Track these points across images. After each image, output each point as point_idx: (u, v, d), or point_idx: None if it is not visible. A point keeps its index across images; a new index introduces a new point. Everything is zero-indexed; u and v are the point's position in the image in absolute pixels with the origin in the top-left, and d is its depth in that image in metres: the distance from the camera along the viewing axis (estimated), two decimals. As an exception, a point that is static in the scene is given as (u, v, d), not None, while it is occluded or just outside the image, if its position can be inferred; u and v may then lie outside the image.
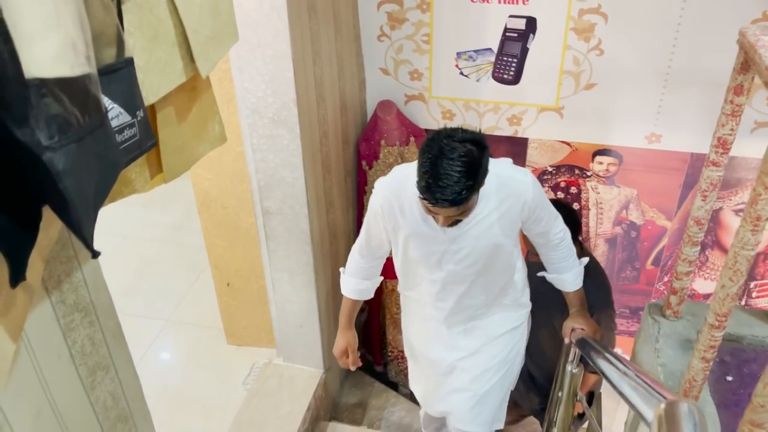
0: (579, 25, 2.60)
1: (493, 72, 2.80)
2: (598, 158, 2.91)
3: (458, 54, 2.80)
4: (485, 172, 1.57)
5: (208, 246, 3.02)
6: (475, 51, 2.77)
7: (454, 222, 1.67)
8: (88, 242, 0.86)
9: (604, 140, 2.86)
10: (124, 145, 1.01)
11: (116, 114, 0.99)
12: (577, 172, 2.98)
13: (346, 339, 2.16)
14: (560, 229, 1.93)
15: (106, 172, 0.91)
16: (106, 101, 0.96)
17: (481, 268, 1.87)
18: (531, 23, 2.65)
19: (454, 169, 1.48)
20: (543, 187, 3.06)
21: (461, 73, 2.84)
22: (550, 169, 3.01)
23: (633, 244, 3.11)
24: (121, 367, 1.39)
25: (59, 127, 0.77)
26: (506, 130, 2.94)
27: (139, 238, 4.26)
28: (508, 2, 2.63)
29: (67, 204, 0.82)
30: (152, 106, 1.18)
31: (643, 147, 2.82)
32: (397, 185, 1.80)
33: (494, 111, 2.90)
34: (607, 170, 2.94)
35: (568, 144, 2.91)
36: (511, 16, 2.66)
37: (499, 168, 1.75)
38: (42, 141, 0.76)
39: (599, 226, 3.10)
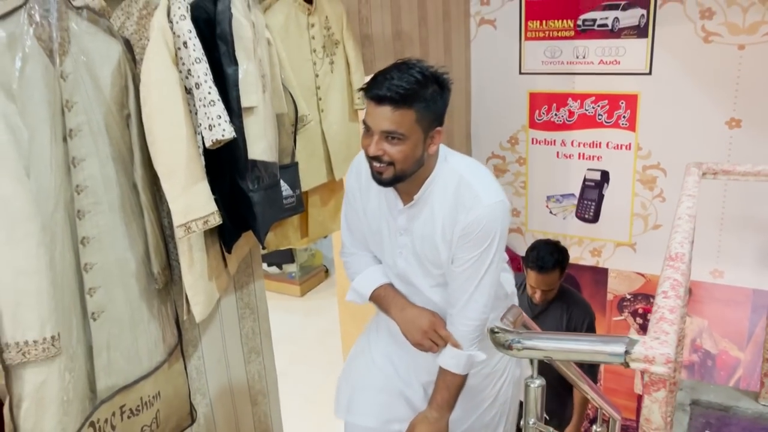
0: (643, 178, 3.25)
1: (576, 212, 3.48)
2: (670, 289, 3.38)
3: (548, 197, 3.54)
4: (435, 104, 1.45)
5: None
6: (561, 195, 3.50)
7: (392, 183, 1.49)
8: (261, 242, 1.72)
9: (673, 273, 3.34)
10: (287, 204, 1.90)
11: (285, 188, 1.89)
12: (652, 300, 3.45)
13: (421, 309, 1.68)
14: (475, 304, 1.56)
15: (275, 211, 1.78)
16: (282, 182, 1.86)
17: (435, 280, 1.64)
18: (605, 175, 3.35)
19: (406, 71, 1.42)
20: (622, 313, 3.55)
21: (551, 212, 3.56)
22: (628, 297, 3.51)
23: (710, 372, 3.41)
24: (267, 356, 2.19)
25: (258, 182, 1.67)
26: (589, 261, 3.53)
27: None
28: (586, 158, 3.37)
29: (256, 221, 1.70)
30: (306, 192, 2.08)
31: (708, 281, 3.26)
32: (367, 167, 1.59)
33: (578, 244, 3.53)
34: (678, 300, 3.37)
35: (642, 275, 3.43)
36: (589, 169, 3.39)
37: (470, 173, 1.55)
38: (249, 187, 1.66)
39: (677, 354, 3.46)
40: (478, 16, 3.42)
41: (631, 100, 3.18)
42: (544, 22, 3.26)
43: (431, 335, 1.63)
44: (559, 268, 2.54)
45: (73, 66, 1.28)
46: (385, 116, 1.42)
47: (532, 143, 3.49)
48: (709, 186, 3.13)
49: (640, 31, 3.06)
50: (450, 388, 1.62)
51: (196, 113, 1.47)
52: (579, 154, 3.39)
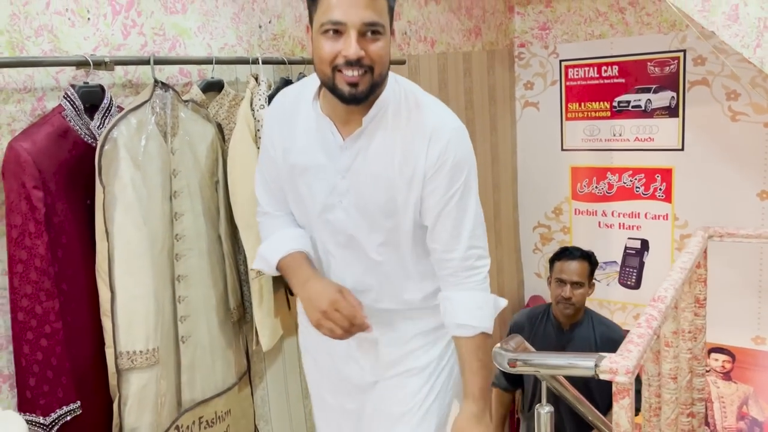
0: (682, 246, 3.43)
1: (619, 279, 3.67)
2: (714, 355, 3.47)
3: (591, 264, 3.75)
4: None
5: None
6: (604, 263, 3.71)
7: (364, 74, 1.23)
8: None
9: (715, 339, 3.44)
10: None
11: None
12: (696, 366, 3.54)
13: (326, 283, 1.41)
14: (466, 241, 1.35)
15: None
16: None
17: (383, 236, 1.38)
18: (644, 243, 3.56)
19: None
20: (668, 377, 3.63)
21: (595, 279, 3.75)
22: (672, 362, 3.60)
23: (759, 441, 3.43)
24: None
25: (317, 237, 2.02)
26: (632, 326, 3.67)
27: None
28: (627, 228, 3.59)
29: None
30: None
31: (751, 347, 3.35)
32: (295, 95, 1.43)
33: (622, 310, 3.70)
34: (723, 367, 3.46)
35: (685, 341, 3.54)
36: (629, 238, 3.60)
37: (423, 95, 1.37)
38: (311, 241, 2.01)
39: (724, 419, 3.51)
40: (522, 99, 3.79)
41: (666, 174, 3.41)
42: (582, 104, 3.59)
43: (331, 315, 1.31)
44: (587, 261, 2.56)
45: (180, 144, 1.70)
46: (364, 2, 1.19)
47: (575, 214, 3.75)
48: (745, 254, 3.28)
49: (671, 111, 3.33)
50: (482, 360, 1.34)
51: (269, 180, 1.87)
52: (619, 224, 3.61)
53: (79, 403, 1.50)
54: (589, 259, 2.60)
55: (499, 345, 1.57)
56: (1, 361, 1.48)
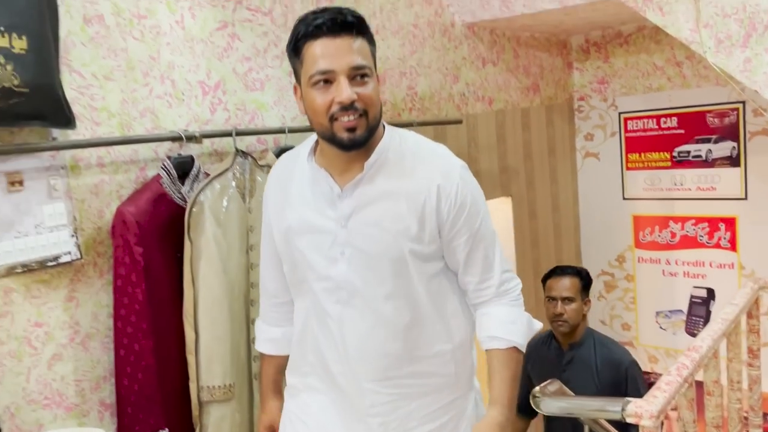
0: (749, 295, 3.40)
1: (686, 328, 3.65)
2: (787, 408, 3.37)
3: (657, 312, 3.76)
4: (372, 38, 1.30)
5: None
6: (670, 311, 3.70)
7: (357, 121, 1.24)
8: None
9: (788, 392, 3.35)
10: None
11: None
12: (769, 419, 3.44)
13: (267, 414, 1.60)
14: (498, 267, 1.39)
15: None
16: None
17: (391, 285, 1.33)
18: (710, 292, 3.54)
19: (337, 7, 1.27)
20: (740, 430, 3.55)
21: (660, 328, 3.75)
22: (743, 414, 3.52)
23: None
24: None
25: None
26: (700, 376, 3.63)
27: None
28: (691, 276, 3.59)
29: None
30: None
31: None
32: (291, 157, 1.44)
33: (689, 359, 3.66)
34: (798, 421, 3.35)
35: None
36: (695, 287, 3.59)
37: (420, 138, 1.40)
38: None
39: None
40: (583, 150, 3.89)
41: (730, 223, 3.42)
42: (642, 154, 3.66)
43: None
44: (578, 276, 2.50)
45: (256, 203, 1.95)
46: (349, 48, 1.21)
47: (639, 262, 3.78)
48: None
49: (732, 160, 3.36)
50: (513, 372, 1.36)
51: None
52: (684, 272, 3.62)
53: (167, 430, 1.73)
54: (579, 274, 2.53)
55: (538, 389, 1.69)
56: (105, 392, 1.74)
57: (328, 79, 1.22)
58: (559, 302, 2.46)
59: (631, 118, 3.68)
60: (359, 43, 1.23)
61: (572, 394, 1.84)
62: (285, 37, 2.11)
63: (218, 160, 1.98)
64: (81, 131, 1.66)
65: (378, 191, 1.31)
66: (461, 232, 1.34)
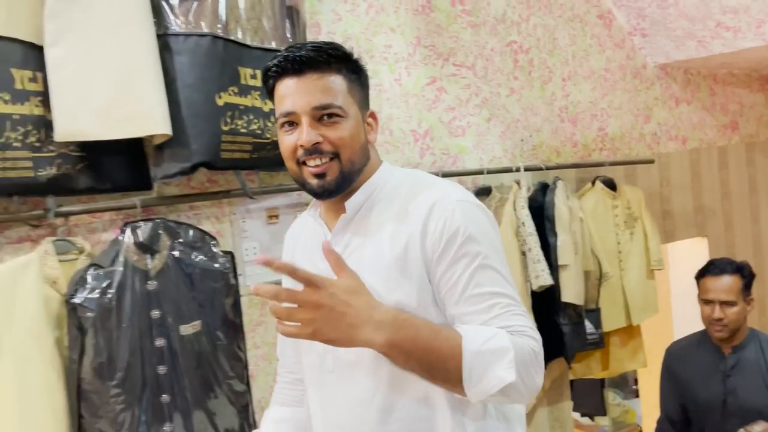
0: None
1: None
2: None
3: None
4: (359, 74, 1.15)
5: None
6: None
7: (321, 174, 1.09)
8: (568, 363, 2.33)
9: None
10: (590, 339, 2.48)
11: (589, 327, 2.48)
12: None
13: None
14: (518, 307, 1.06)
15: (580, 342, 2.39)
16: (587, 322, 2.47)
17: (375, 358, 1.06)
18: None
19: (311, 42, 1.14)
20: None
21: None
22: None
23: None
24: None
25: (568, 318, 2.32)
26: None
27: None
28: None
29: (565, 347, 2.33)
30: (607, 333, 2.64)
31: None
32: (306, 213, 1.26)
33: None
34: None
35: None
36: None
37: (431, 177, 1.18)
38: (561, 321, 2.31)
39: None
40: (789, 189, 3.65)
41: None
42: None
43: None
44: (739, 274, 2.20)
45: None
46: (312, 87, 1.08)
47: None
48: None
49: None
50: (455, 344, 0.98)
51: (526, 267, 2.24)
52: None
53: None
54: (740, 271, 2.20)
55: (742, 429, 1.68)
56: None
57: (292, 121, 1.10)
58: (718, 306, 2.17)
59: None
60: (328, 80, 1.10)
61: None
62: (485, 88, 2.36)
63: (425, 198, 2.24)
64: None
65: (364, 234, 1.12)
66: (447, 276, 1.05)
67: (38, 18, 1.40)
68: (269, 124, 1.77)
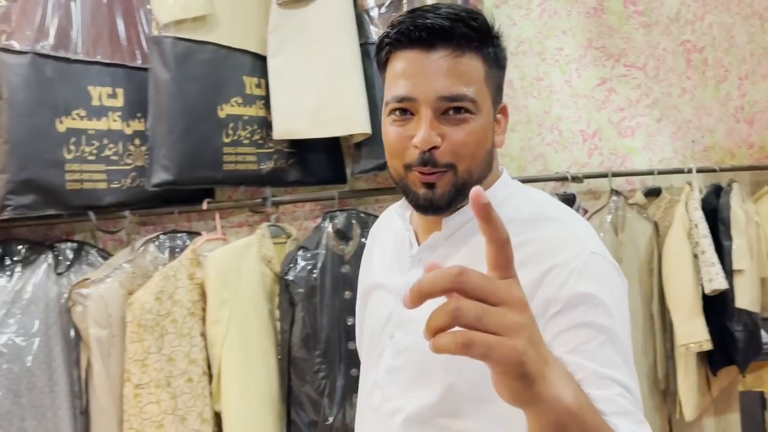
0: None
1: None
2: None
3: None
4: (499, 58, 0.91)
5: None
6: None
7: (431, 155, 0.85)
8: (742, 372, 2.25)
9: None
10: (765, 348, 2.37)
11: (765, 336, 2.37)
12: None
13: None
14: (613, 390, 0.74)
15: (754, 351, 2.29)
16: (762, 331, 2.36)
17: (444, 388, 0.87)
18: None
19: (450, 5, 0.88)
20: None
21: None
22: None
23: None
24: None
25: (743, 325, 2.23)
26: None
27: None
28: None
29: (738, 355, 2.25)
30: None
31: None
32: (397, 206, 1.03)
33: None
34: None
35: None
36: None
37: (553, 205, 0.96)
38: (735, 327, 2.24)
39: None
40: None
41: None
42: None
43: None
44: None
45: (625, 237, 2.17)
46: (443, 68, 0.84)
47: None
48: None
49: None
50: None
51: (699, 271, 2.19)
52: None
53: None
54: None
55: None
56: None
57: (406, 109, 0.86)
58: None
59: None
60: (465, 61, 0.85)
61: None
62: (656, 88, 2.34)
63: (591, 198, 2.26)
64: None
65: (458, 261, 0.78)
66: (568, 331, 0.79)
67: (263, 31, 1.63)
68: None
